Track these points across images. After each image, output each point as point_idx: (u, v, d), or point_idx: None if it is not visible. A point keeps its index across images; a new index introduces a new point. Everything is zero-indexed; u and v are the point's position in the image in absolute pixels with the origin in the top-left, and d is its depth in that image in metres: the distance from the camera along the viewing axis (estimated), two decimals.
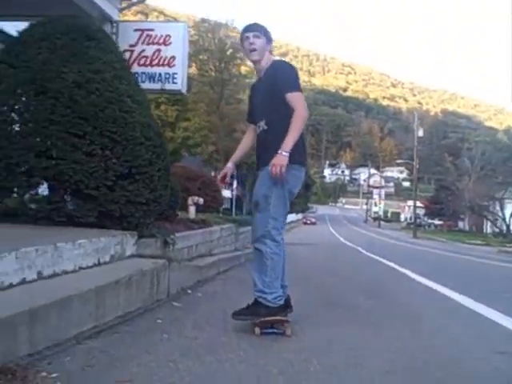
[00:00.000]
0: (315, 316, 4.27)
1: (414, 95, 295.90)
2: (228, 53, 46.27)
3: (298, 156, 3.53)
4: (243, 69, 47.58)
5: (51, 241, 3.32)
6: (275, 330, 3.50)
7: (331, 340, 3.43)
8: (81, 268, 3.59)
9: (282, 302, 3.52)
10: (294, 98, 3.52)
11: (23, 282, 2.92)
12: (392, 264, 11.15)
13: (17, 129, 4.52)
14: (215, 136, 43.39)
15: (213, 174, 40.15)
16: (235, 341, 3.25)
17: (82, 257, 3.62)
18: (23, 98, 4.51)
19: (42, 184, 4.64)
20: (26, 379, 2.18)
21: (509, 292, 6.80)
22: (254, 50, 3.71)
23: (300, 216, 72.08)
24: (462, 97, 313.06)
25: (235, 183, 39.00)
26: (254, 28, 3.74)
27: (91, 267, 3.74)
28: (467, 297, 5.82)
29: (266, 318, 3.45)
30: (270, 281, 3.48)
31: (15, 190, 4.61)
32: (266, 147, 3.61)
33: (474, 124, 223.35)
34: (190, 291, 5.03)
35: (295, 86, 3.59)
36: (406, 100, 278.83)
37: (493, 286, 7.79)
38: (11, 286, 2.80)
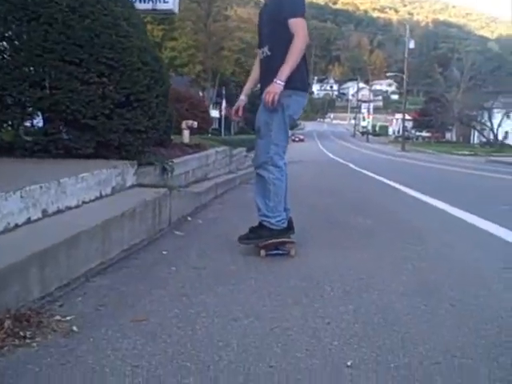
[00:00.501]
0: (317, 238, 4.29)
1: (405, 5, 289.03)
2: None
3: (300, 82, 3.51)
4: None
5: (53, 176, 3.21)
6: (280, 252, 3.60)
7: (337, 263, 3.43)
8: (84, 202, 3.50)
9: (285, 225, 3.62)
10: (295, 24, 3.41)
11: (28, 221, 2.83)
12: (383, 179, 11.25)
13: (9, 58, 4.29)
14: (202, 55, 42.36)
15: (200, 94, 39.59)
16: (243, 269, 3.24)
17: (84, 191, 3.52)
18: (14, 26, 4.24)
19: (38, 115, 4.48)
20: (41, 325, 2.13)
21: (506, 204, 6.86)
22: None
23: (289, 133, 71.73)
24: (454, 6, 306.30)
25: (224, 103, 38.56)
26: None
27: (94, 201, 3.65)
28: (464, 211, 5.88)
29: (271, 240, 3.55)
30: (273, 205, 3.55)
31: (9, 122, 4.43)
32: (268, 73, 3.51)
33: (465, 34, 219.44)
34: (190, 218, 5.01)
35: (299, 11, 3.47)
36: (396, 11, 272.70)
37: (487, 199, 7.84)
38: (17, 226, 2.71)
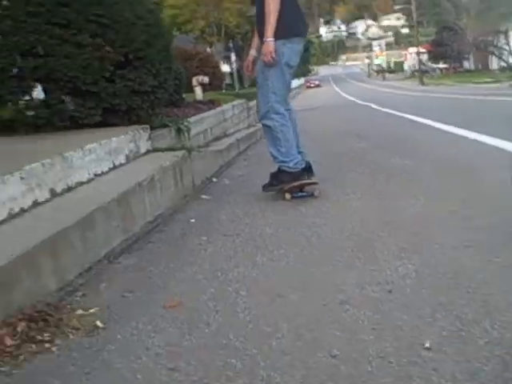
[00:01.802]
0: (355, 186, 3.95)
1: None
2: None
3: (288, 29, 3.57)
4: None
5: (57, 151, 2.88)
6: (304, 193, 3.72)
7: (384, 215, 3.09)
8: (96, 175, 3.20)
9: (303, 166, 3.73)
10: None
11: (36, 204, 2.52)
12: (410, 116, 10.70)
13: None
14: (204, 9, 41.21)
15: (208, 50, 38.73)
16: (281, 231, 2.94)
17: (94, 163, 3.21)
18: None
19: (36, 87, 4.13)
20: (61, 323, 1.84)
21: None
22: None
23: (302, 80, 70.42)
24: None
25: (233, 56, 37.70)
26: None
27: (107, 172, 3.35)
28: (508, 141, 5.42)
29: (293, 183, 3.67)
30: (286, 150, 3.67)
31: (7, 97, 4.09)
32: (261, 19, 3.59)
33: None
34: (215, 179, 4.71)
35: None
36: None
37: None
38: (23, 211, 2.41)
